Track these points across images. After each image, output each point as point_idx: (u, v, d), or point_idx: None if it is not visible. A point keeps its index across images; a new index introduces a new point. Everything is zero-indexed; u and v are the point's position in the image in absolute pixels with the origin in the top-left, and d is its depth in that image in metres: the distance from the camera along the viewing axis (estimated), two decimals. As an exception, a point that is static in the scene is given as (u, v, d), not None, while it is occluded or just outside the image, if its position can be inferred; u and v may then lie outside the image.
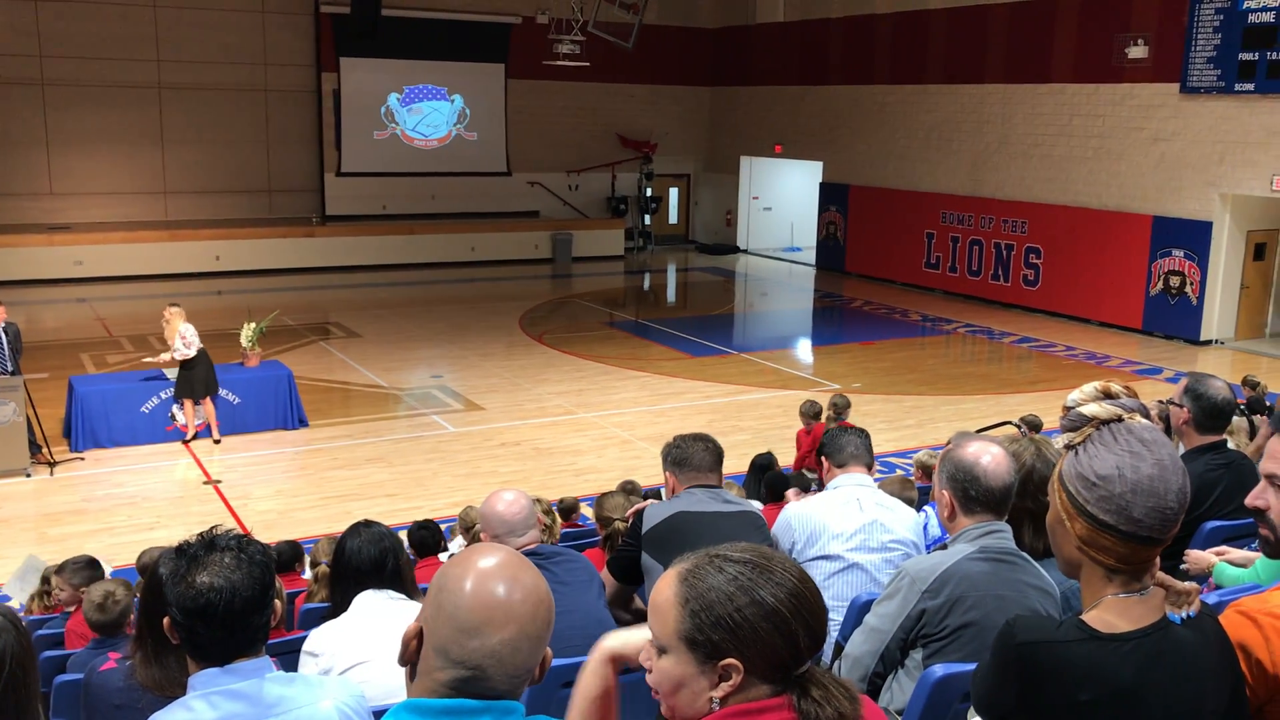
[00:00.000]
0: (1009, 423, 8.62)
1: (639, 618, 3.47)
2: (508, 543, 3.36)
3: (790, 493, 6.47)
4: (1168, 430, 4.14)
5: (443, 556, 6.16)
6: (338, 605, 3.48)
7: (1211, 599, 2.61)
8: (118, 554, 8.07)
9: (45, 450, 10.55)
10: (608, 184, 26.79)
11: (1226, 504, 3.73)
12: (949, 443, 2.99)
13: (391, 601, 3.39)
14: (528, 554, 2.79)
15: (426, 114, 25.03)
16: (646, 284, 24.46)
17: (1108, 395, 1.84)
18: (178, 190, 22.80)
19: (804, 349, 17.94)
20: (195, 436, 11.37)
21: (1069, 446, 1.82)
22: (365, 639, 3.21)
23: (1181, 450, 3.94)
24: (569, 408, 13.00)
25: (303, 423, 11.95)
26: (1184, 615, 1.79)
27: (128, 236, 20.90)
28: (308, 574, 5.95)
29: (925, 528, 4.55)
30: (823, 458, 4.09)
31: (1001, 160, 20.08)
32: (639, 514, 3.96)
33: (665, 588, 1.61)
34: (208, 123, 22.70)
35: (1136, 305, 17.76)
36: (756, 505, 4.60)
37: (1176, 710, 1.73)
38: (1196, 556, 3.40)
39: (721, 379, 14.52)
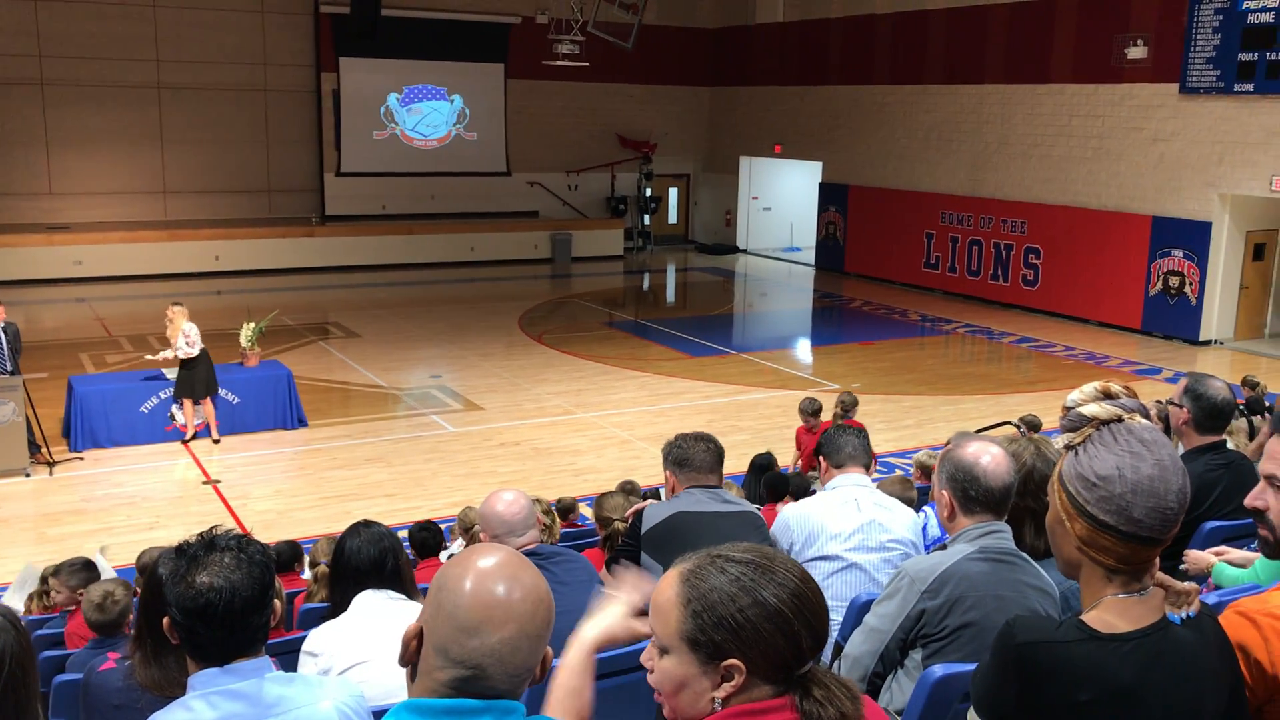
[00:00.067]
0: (1008, 423, 8.64)
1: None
2: (507, 543, 3.36)
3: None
4: (1167, 430, 4.14)
5: (443, 557, 6.16)
6: (337, 605, 3.47)
7: (1211, 599, 2.61)
8: (117, 554, 8.07)
9: (44, 450, 10.54)
10: (607, 184, 26.78)
11: (1226, 504, 3.74)
12: (948, 443, 2.99)
13: (391, 601, 3.38)
14: (527, 554, 2.78)
15: (426, 114, 25.02)
16: (646, 284, 24.45)
17: (1107, 395, 1.84)
18: (177, 190, 22.79)
19: (803, 349, 17.94)
20: (194, 436, 11.37)
21: (1069, 447, 1.82)
22: (365, 639, 3.21)
23: (1181, 450, 3.94)
24: (568, 408, 13.00)
25: (302, 423, 11.96)
26: (1183, 615, 1.79)
27: (127, 236, 20.89)
28: (307, 574, 5.96)
29: (925, 528, 4.55)
30: (820, 458, 4.09)
31: (1001, 160, 20.08)
32: (638, 514, 3.96)
33: (667, 588, 1.61)
34: (207, 123, 22.68)
35: (1136, 305, 17.77)
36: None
37: (1176, 710, 1.73)
38: (1196, 557, 3.40)
39: (721, 379, 14.52)
